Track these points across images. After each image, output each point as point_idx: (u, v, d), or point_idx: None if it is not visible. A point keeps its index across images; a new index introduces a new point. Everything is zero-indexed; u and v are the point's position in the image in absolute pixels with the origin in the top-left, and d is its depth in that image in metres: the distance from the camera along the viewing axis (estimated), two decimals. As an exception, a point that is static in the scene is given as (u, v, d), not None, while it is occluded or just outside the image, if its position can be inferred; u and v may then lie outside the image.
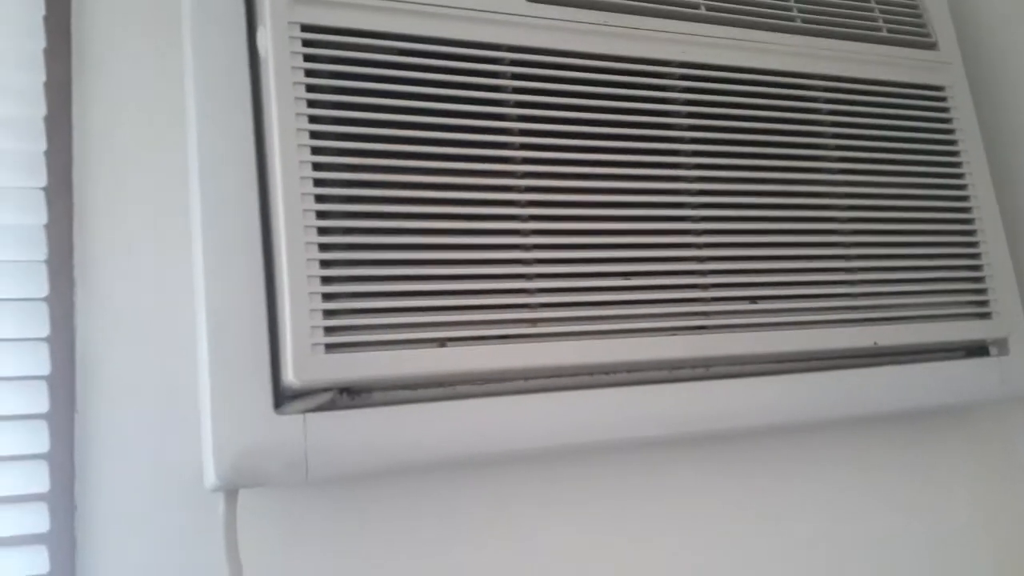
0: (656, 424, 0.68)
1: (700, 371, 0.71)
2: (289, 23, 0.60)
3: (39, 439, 0.57)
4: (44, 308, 0.58)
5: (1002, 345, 0.84)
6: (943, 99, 0.85)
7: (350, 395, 0.61)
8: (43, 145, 0.60)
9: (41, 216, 0.59)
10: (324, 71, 0.61)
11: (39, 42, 0.61)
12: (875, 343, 0.76)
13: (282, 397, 0.58)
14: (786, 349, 0.72)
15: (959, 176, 0.84)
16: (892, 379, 0.77)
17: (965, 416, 0.91)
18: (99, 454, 0.59)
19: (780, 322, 0.72)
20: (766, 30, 0.77)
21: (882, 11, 0.84)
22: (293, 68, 0.59)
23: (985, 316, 0.82)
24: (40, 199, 0.59)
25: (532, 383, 0.65)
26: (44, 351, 0.58)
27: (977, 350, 0.84)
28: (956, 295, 0.81)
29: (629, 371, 0.68)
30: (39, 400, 0.57)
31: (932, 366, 0.80)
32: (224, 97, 0.60)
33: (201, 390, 0.59)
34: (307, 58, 0.60)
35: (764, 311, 0.72)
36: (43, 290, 0.59)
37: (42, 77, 0.61)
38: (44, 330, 0.58)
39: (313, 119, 0.59)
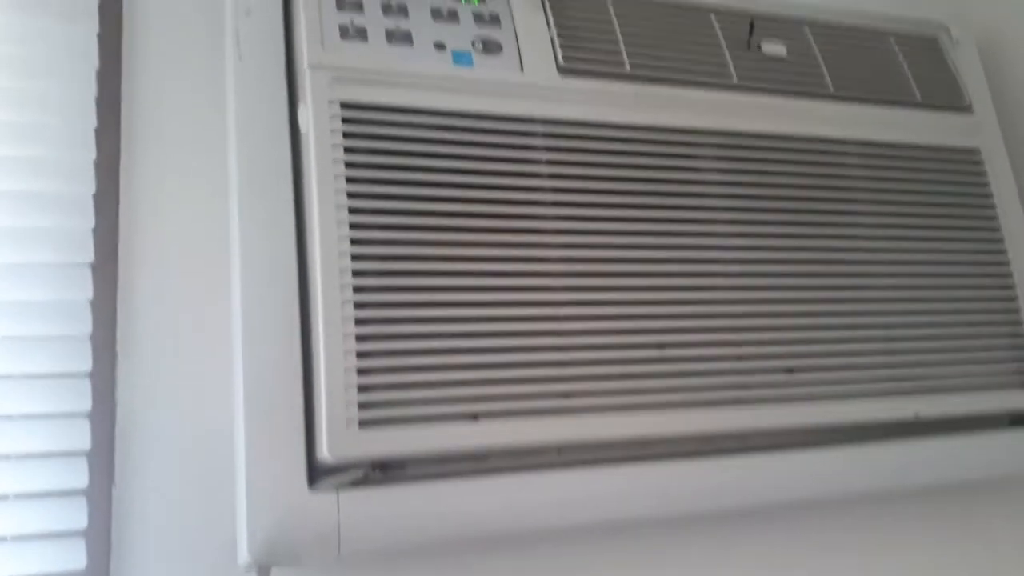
0: (693, 499, 0.66)
1: (737, 444, 0.70)
2: (330, 101, 0.61)
3: (78, 515, 0.57)
4: (87, 384, 0.59)
5: (1048, 414, 0.82)
6: (979, 162, 0.84)
7: (383, 470, 0.61)
8: (91, 222, 0.61)
9: (87, 292, 0.61)
10: (362, 147, 0.62)
11: (91, 121, 0.63)
12: (916, 414, 0.74)
13: (316, 473, 0.58)
14: (824, 421, 0.71)
15: (998, 240, 0.82)
16: (935, 451, 0.75)
17: (1010, 487, 0.88)
18: (136, 529, 0.59)
19: (818, 393, 0.71)
20: (798, 97, 0.77)
21: (915, 75, 0.84)
22: (333, 145, 0.61)
23: (1029, 384, 0.80)
24: (86, 275, 0.61)
25: (565, 457, 0.64)
26: (85, 426, 0.59)
27: (1021, 419, 0.82)
28: (998, 363, 0.79)
29: (664, 444, 0.67)
30: (78, 476, 0.58)
31: (975, 437, 0.78)
32: (266, 175, 0.61)
33: (237, 466, 0.59)
34: (346, 135, 0.61)
35: (801, 382, 0.71)
36: (86, 365, 0.60)
37: (92, 155, 0.62)
38: (86, 405, 0.59)
39: (351, 195, 0.60)
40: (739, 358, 0.69)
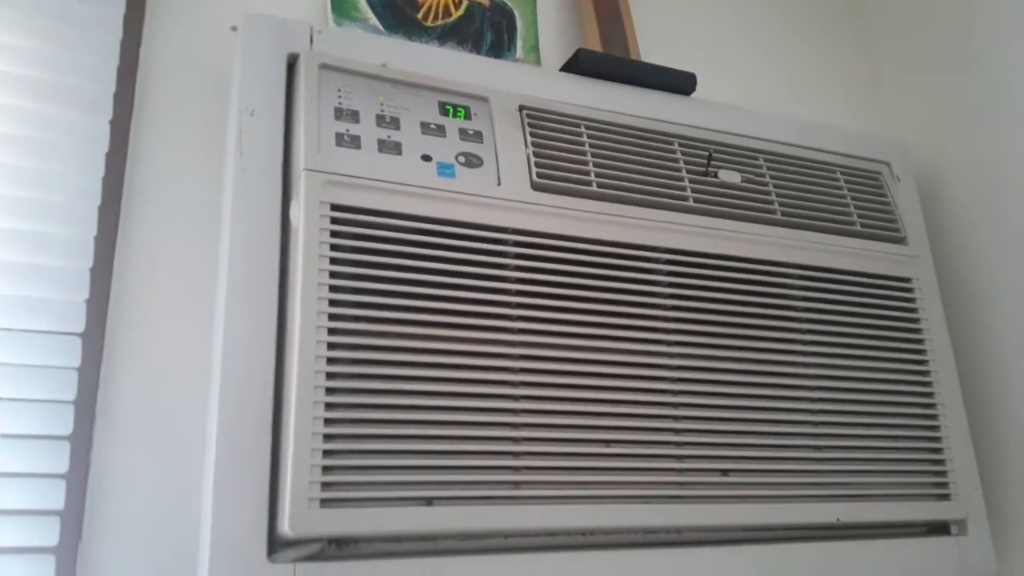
0: (628, 588, 0.71)
1: (673, 536, 0.75)
2: (321, 202, 0.67)
3: (46, 571, 0.61)
4: (66, 446, 0.63)
5: (962, 525, 0.87)
6: (910, 290, 0.91)
7: (338, 545, 0.64)
8: (86, 294, 0.66)
9: (75, 360, 0.65)
10: (346, 245, 0.67)
11: (95, 200, 0.68)
12: (838, 519, 0.80)
13: (274, 544, 0.62)
14: (754, 521, 0.76)
15: (923, 363, 0.89)
16: (854, 554, 0.81)
17: (926, 593, 0.94)
18: (99, 589, 0.63)
19: (749, 495, 0.76)
20: (748, 221, 0.85)
21: (856, 207, 0.92)
22: (320, 242, 0.66)
23: (945, 497, 0.86)
24: (76, 344, 0.65)
25: (512, 541, 0.69)
26: (61, 487, 0.62)
27: (938, 528, 0.88)
28: (918, 476, 0.85)
29: (606, 534, 0.72)
30: (50, 534, 0.61)
31: (893, 543, 0.83)
32: (254, 262, 0.66)
33: (201, 533, 0.62)
34: (333, 233, 0.66)
35: (735, 484, 0.76)
36: (68, 428, 0.63)
37: (93, 231, 0.67)
38: (64, 466, 0.63)
39: (333, 288, 0.65)
40: (679, 458, 0.75)
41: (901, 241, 0.93)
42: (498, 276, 0.71)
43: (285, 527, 0.60)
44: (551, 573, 0.68)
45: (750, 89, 1.13)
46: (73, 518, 0.63)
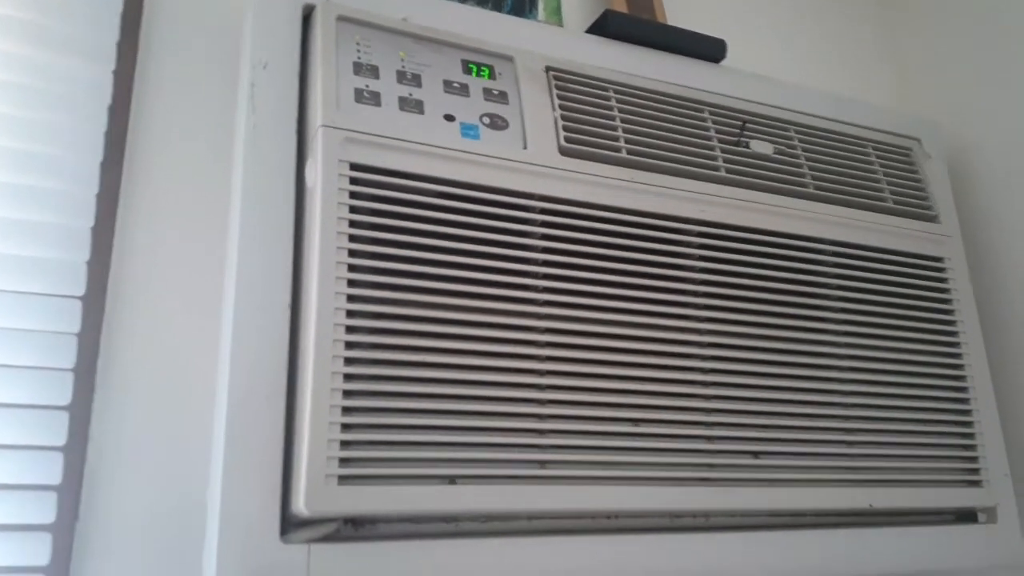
0: (655, 574, 0.68)
1: (700, 521, 0.72)
2: (339, 161, 0.63)
3: (41, 550, 0.57)
4: (64, 417, 0.59)
5: (991, 513, 0.85)
6: (942, 270, 0.89)
7: (355, 525, 0.61)
8: (86, 255, 0.62)
9: (75, 324, 0.61)
10: (365, 208, 0.63)
11: (97, 156, 0.64)
12: (870, 505, 0.77)
13: (288, 524, 0.58)
14: (785, 506, 0.73)
15: (955, 345, 0.87)
16: (885, 541, 0.78)
17: (953, 581, 0.92)
18: (96, 570, 0.59)
19: (780, 479, 0.73)
20: (780, 194, 0.81)
21: (889, 184, 0.89)
22: (339, 204, 0.62)
23: (976, 484, 0.84)
24: (76, 308, 0.61)
25: (536, 523, 0.66)
26: (58, 460, 0.58)
27: (967, 516, 0.85)
28: (949, 462, 0.83)
29: (632, 518, 0.69)
30: (46, 511, 0.57)
31: (923, 530, 0.81)
32: (267, 224, 0.62)
33: (210, 512, 0.59)
34: (352, 194, 0.63)
35: (766, 467, 0.73)
36: (66, 398, 0.59)
37: (95, 190, 0.63)
38: (61, 439, 0.59)
39: (352, 252, 0.61)
40: (709, 439, 0.71)
41: (933, 219, 0.90)
42: (523, 244, 0.68)
43: (300, 505, 0.56)
44: (576, 557, 0.65)
45: (775, 59, 1.09)
46: (71, 494, 0.59)
